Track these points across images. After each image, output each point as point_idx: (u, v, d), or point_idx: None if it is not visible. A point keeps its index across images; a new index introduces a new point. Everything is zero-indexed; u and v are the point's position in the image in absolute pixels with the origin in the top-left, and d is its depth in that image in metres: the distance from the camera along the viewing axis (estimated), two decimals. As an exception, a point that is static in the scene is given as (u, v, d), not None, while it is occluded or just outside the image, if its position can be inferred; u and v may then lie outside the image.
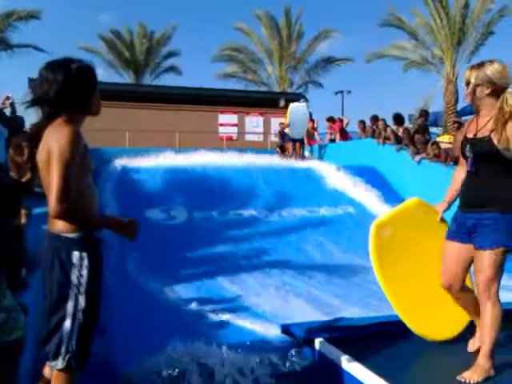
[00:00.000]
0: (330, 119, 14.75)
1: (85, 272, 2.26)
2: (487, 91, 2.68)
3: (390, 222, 3.25)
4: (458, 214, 2.95)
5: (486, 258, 2.73)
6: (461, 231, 2.90)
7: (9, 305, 2.22)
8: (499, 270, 2.77)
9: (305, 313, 5.01)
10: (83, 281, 2.26)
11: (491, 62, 2.69)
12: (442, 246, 3.04)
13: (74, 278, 2.25)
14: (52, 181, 2.16)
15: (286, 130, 13.68)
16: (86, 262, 2.27)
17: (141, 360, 3.48)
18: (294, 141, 13.64)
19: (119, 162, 10.82)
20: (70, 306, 2.24)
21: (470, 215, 2.84)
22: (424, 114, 12.32)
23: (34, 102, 2.33)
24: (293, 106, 14.43)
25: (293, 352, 3.39)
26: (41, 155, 2.28)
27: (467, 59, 22.52)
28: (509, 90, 2.62)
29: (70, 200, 2.17)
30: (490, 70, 2.65)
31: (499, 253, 2.73)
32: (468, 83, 2.75)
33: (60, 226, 2.27)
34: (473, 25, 21.96)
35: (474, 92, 2.74)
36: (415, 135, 11.50)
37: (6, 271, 2.34)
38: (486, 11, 21.58)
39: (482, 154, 2.75)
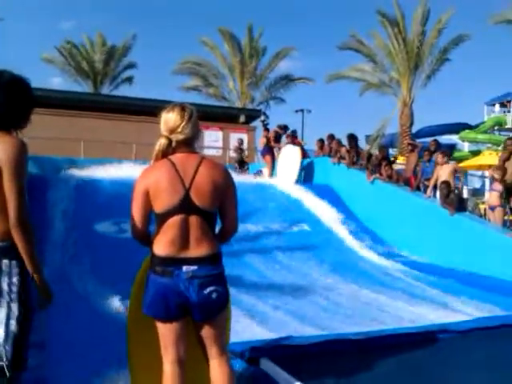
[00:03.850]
0: (291, 135, 14.66)
1: (15, 279, 2.26)
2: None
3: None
4: None
5: None
6: None
7: None
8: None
9: (255, 331, 4.94)
10: (14, 288, 2.26)
11: (167, 109, 2.63)
12: None
13: (4, 285, 2.25)
14: (11, 194, 2.19)
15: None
16: (16, 270, 2.26)
17: (81, 379, 3.36)
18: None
19: (72, 172, 10.56)
20: (2, 313, 2.24)
21: None
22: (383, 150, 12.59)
23: None
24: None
25: (238, 371, 3.32)
26: None
27: (423, 83, 23.32)
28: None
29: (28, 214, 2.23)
30: (161, 118, 2.63)
31: None
32: None
33: None
34: (429, 51, 22.75)
35: None
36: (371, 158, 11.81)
37: None
38: (439, 39, 22.46)
39: None
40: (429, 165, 10.65)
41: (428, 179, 10.50)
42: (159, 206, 2.48)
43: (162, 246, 2.48)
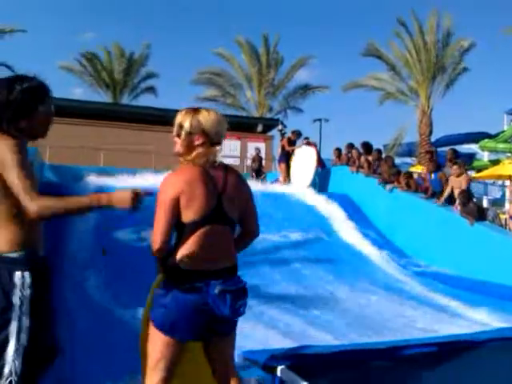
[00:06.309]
0: (308, 143, 14.67)
1: (28, 292, 2.17)
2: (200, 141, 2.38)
3: None
4: None
5: None
6: None
7: None
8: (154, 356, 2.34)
9: (274, 341, 4.92)
10: (26, 301, 2.17)
11: (207, 110, 2.43)
12: None
13: (15, 298, 2.16)
14: (16, 184, 2.07)
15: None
16: (28, 281, 2.17)
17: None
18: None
19: (92, 181, 10.67)
20: (13, 327, 2.14)
21: None
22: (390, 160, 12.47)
23: None
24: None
25: (254, 379, 3.31)
26: None
27: (442, 93, 23.15)
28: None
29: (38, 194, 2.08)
30: (205, 119, 2.38)
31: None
32: (181, 128, 2.43)
33: (0, 247, 2.17)
34: (447, 60, 22.61)
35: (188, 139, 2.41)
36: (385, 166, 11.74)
37: None
38: (459, 49, 22.33)
39: None
40: (433, 176, 10.49)
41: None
42: (191, 215, 2.29)
43: (187, 258, 2.30)
